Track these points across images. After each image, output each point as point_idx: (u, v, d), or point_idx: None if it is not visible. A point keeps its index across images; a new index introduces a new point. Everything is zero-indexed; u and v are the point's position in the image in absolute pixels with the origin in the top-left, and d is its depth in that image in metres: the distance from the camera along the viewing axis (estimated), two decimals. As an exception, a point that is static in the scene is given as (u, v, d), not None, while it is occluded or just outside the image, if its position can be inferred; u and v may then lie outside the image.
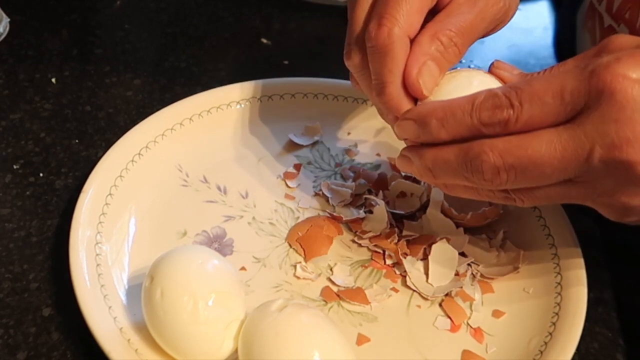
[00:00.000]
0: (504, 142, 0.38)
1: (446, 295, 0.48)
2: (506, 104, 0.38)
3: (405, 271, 0.49)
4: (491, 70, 0.44)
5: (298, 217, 0.53)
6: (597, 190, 0.39)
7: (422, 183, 0.54)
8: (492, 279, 0.49)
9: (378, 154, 0.57)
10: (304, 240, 0.50)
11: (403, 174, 0.55)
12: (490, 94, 0.39)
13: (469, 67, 0.68)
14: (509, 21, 0.47)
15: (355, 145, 0.58)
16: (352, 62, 0.46)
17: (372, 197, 0.53)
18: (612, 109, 0.36)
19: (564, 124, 0.37)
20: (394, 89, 0.43)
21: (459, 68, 0.44)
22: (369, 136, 0.59)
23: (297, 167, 0.56)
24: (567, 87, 0.37)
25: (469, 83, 0.42)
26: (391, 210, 0.51)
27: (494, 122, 0.38)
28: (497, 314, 0.48)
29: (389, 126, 0.46)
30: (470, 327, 0.47)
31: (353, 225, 0.52)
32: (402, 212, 0.52)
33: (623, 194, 0.38)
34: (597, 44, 0.40)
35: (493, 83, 0.42)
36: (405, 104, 0.43)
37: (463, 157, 0.39)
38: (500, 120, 0.38)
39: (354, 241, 0.51)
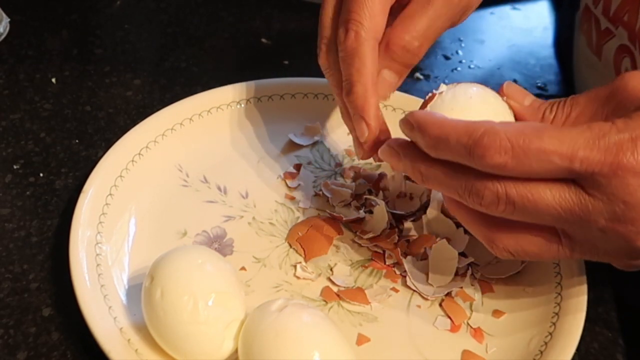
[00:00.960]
0: (511, 179, 0.37)
1: (446, 295, 0.48)
2: (506, 149, 0.36)
3: (405, 271, 0.49)
4: (500, 92, 0.43)
5: (298, 217, 0.53)
6: (596, 250, 0.39)
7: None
8: (492, 279, 0.49)
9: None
10: (304, 240, 0.50)
11: (404, 173, 0.55)
12: (490, 131, 0.37)
13: (469, 67, 0.68)
14: (470, 12, 0.48)
15: (355, 145, 0.58)
16: (323, 63, 0.48)
17: (372, 197, 0.53)
18: (622, 191, 0.36)
19: (569, 183, 0.37)
20: (361, 88, 0.45)
21: (470, 82, 0.44)
22: (369, 136, 0.59)
23: (297, 167, 0.56)
24: (579, 155, 0.36)
25: (467, 95, 0.42)
26: (391, 211, 0.51)
27: (488, 163, 0.37)
28: (497, 314, 0.48)
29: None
30: (470, 327, 0.47)
31: (353, 225, 0.52)
32: (402, 212, 0.52)
33: (624, 257, 0.39)
34: (607, 85, 0.39)
35: (495, 104, 0.42)
36: (370, 104, 0.45)
37: (461, 179, 0.39)
38: (497, 164, 0.37)
39: (354, 241, 0.51)
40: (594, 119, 0.39)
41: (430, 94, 0.44)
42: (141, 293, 0.42)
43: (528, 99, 0.43)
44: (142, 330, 0.43)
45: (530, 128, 0.37)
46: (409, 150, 0.42)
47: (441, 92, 0.43)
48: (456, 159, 0.38)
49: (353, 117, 0.46)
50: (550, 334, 0.45)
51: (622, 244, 0.38)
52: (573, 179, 0.37)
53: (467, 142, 0.37)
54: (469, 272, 0.49)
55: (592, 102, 0.40)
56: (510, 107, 0.43)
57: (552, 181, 0.37)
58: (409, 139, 0.42)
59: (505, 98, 0.43)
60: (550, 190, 0.37)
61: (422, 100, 0.45)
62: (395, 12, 0.46)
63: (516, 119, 0.42)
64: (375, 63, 0.45)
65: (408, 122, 0.41)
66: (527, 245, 0.40)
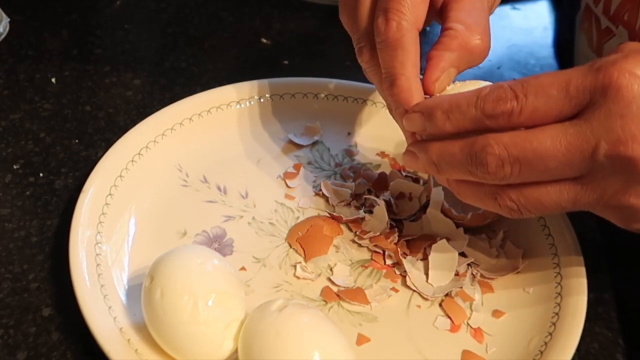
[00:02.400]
0: (509, 135, 0.38)
1: (446, 295, 0.48)
2: (511, 96, 0.38)
3: (405, 271, 0.49)
4: None
5: (298, 217, 0.53)
6: (604, 192, 0.38)
7: (421, 182, 0.54)
8: (492, 279, 0.49)
9: (378, 154, 0.57)
10: (304, 240, 0.50)
11: (404, 173, 0.55)
12: (495, 86, 0.39)
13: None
14: (497, 4, 0.49)
15: (355, 145, 0.58)
16: (364, 59, 0.47)
17: (372, 197, 0.53)
18: (618, 104, 0.36)
19: (569, 119, 0.37)
20: (405, 81, 0.43)
21: (468, 81, 0.44)
22: (369, 136, 0.59)
23: (297, 167, 0.56)
24: (573, 81, 0.37)
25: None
26: (391, 218, 0.51)
27: (497, 113, 0.38)
28: (497, 314, 0.48)
29: (389, 126, 0.46)
30: (470, 327, 0.47)
31: (353, 225, 0.52)
32: (401, 218, 0.52)
33: (631, 194, 0.38)
34: (595, 46, 0.41)
35: None
36: (416, 97, 0.43)
37: (468, 149, 0.40)
38: (504, 111, 0.38)
39: (354, 241, 0.51)
40: None
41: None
42: (141, 293, 0.42)
43: None
44: (142, 330, 0.43)
45: (528, 77, 0.39)
46: (420, 144, 0.42)
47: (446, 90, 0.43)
48: (469, 122, 0.39)
49: (396, 112, 0.45)
50: (550, 334, 0.45)
51: (627, 172, 0.37)
52: (574, 113, 0.37)
53: (476, 101, 0.39)
54: (469, 272, 0.49)
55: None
56: None
57: (549, 125, 0.38)
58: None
59: None
60: (549, 134, 0.38)
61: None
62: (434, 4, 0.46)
63: None
64: (418, 54, 0.44)
65: (415, 112, 0.42)
66: (534, 197, 0.40)
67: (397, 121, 0.45)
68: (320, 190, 0.54)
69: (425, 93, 0.43)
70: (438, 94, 0.44)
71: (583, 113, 0.37)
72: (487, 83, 0.43)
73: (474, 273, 0.49)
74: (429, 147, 0.42)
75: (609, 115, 0.36)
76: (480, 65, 0.70)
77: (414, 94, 0.43)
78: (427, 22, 0.46)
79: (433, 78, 0.43)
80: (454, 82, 0.44)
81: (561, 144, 0.37)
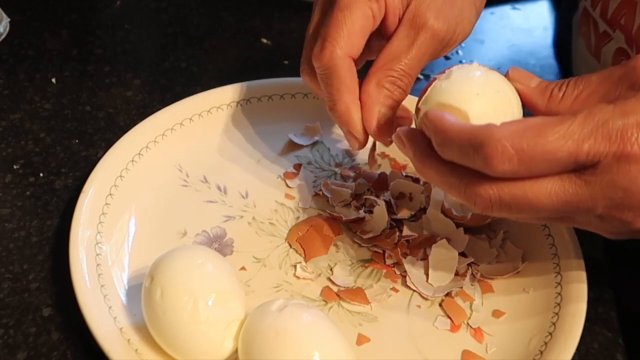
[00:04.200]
0: (503, 181, 0.37)
1: (446, 295, 0.48)
2: (510, 157, 0.36)
3: (405, 271, 0.49)
4: (506, 77, 0.43)
5: (298, 217, 0.53)
6: (592, 227, 0.39)
7: (421, 182, 0.54)
8: (492, 279, 0.49)
9: (378, 154, 0.57)
10: (304, 240, 0.51)
11: (404, 173, 0.55)
12: (490, 138, 0.36)
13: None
14: (450, 50, 0.48)
15: (355, 145, 0.58)
16: (305, 79, 0.49)
17: (372, 197, 0.53)
18: (624, 178, 0.35)
19: (568, 174, 0.37)
20: (342, 106, 0.46)
21: (475, 63, 0.44)
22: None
23: (297, 167, 0.56)
24: (585, 148, 0.35)
25: (470, 77, 0.42)
26: (391, 218, 0.51)
27: (494, 171, 0.36)
28: (497, 314, 0.48)
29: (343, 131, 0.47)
30: (470, 327, 0.47)
31: (353, 225, 0.52)
32: (402, 218, 0.52)
33: (620, 235, 0.39)
34: (622, 64, 0.38)
35: (499, 85, 0.42)
36: (355, 119, 0.46)
37: (458, 180, 0.39)
38: (504, 171, 0.36)
39: (354, 241, 0.51)
40: (606, 99, 0.38)
41: (432, 78, 0.43)
42: (141, 293, 0.42)
43: (534, 81, 0.42)
44: (142, 330, 0.43)
45: (531, 128, 0.36)
46: (412, 144, 0.41)
47: (440, 77, 0.43)
48: (463, 163, 0.38)
49: (342, 129, 0.48)
50: (550, 334, 0.45)
51: (620, 227, 0.38)
52: (575, 169, 0.37)
53: (469, 151, 0.37)
54: (469, 272, 0.49)
55: (605, 82, 0.39)
56: (517, 89, 0.42)
57: (548, 180, 0.37)
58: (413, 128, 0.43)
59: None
60: (546, 188, 0.37)
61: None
62: (375, 39, 0.47)
63: (523, 100, 0.42)
64: (354, 78, 0.46)
65: (424, 122, 0.41)
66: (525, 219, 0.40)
67: (346, 139, 0.48)
68: (320, 190, 0.54)
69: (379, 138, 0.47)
70: (428, 92, 0.43)
71: (584, 173, 0.36)
72: (483, 68, 0.42)
73: (474, 273, 0.49)
74: (420, 155, 0.40)
75: (612, 186, 0.36)
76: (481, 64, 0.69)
77: (353, 116, 0.46)
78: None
79: (372, 127, 0.46)
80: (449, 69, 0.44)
81: (557, 201, 0.37)
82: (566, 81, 0.40)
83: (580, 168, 0.36)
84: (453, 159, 0.38)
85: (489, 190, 0.37)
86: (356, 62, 0.47)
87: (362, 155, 0.57)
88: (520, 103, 0.42)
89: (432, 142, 0.39)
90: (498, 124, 0.37)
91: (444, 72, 0.43)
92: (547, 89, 0.41)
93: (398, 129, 0.43)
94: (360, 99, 0.46)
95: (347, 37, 0.45)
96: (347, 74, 0.45)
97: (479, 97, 0.40)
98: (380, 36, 0.47)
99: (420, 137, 0.41)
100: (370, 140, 0.48)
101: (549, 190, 0.37)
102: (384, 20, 0.46)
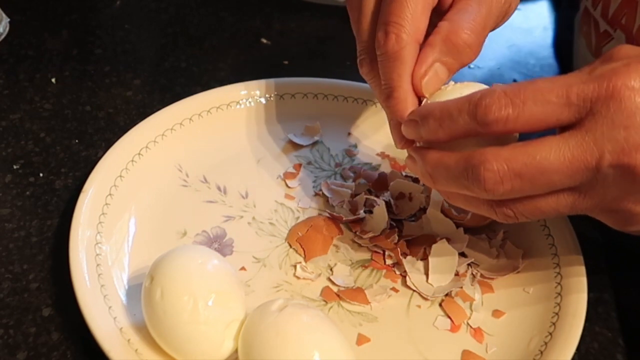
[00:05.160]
0: (508, 150, 0.37)
1: (446, 295, 0.48)
2: (505, 102, 0.37)
3: (405, 271, 0.49)
4: None
5: (298, 217, 0.53)
6: (603, 198, 0.38)
7: (420, 183, 0.54)
8: (492, 279, 0.49)
9: (378, 154, 0.57)
10: (304, 240, 0.51)
11: (404, 173, 0.55)
12: (487, 91, 0.38)
13: (469, 67, 0.68)
14: (510, 15, 0.47)
15: (355, 146, 0.58)
16: (364, 71, 0.47)
17: (372, 197, 0.53)
18: (621, 115, 0.35)
19: (568, 130, 0.37)
20: (402, 93, 0.43)
21: (466, 82, 0.44)
22: (369, 136, 0.59)
23: (297, 167, 0.56)
24: (574, 88, 0.36)
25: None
26: (391, 218, 0.51)
27: (490, 120, 0.37)
28: (497, 314, 0.48)
29: (389, 126, 0.46)
30: (470, 327, 0.47)
31: (353, 225, 0.52)
32: (402, 218, 0.52)
33: (629, 200, 0.38)
34: (602, 55, 0.39)
35: None
36: (411, 109, 0.43)
37: (464, 164, 0.39)
38: (498, 118, 0.37)
39: (354, 241, 0.51)
40: None
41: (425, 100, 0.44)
42: (141, 293, 0.42)
43: None
44: (142, 330, 0.43)
45: (524, 81, 0.38)
46: (419, 151, 0.42)
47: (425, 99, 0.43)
48: (462, 129, 0.38)
49: (390, 123, 0.45)
50: (550, 334, 0.45)
51: (628, 181, 0.37)
52: (573, 123, 0.36)
53: (468, 107, 0.38)
54: (469, 272, 0.49)
55: (586, 67, 0.39)
56: None
57: (549, 138, 0.37)
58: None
59: None
60: (551, 148, 0.37)
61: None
62: (436, 16, 0.45)
63: None
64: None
65: (410, 121, 0.41)
66: (531, 206, 0.40)
67: (391, 132, 0.45)
68: (320, 190, 0.54)
69: (416, 94, 0.43)
70: (428, 95, 0.43)
71: (583, 123, 0.36)
72: (486, 87, 0.43)
73: (474, 273, 0.49)
74: (426, 156, 0.41)
75: (613, 126, 0.36)
76: (480, 65, 0.70)
77: (410, 106, 0.43)
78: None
79: (418, 75, 0.43)
80: (453, 82, 0.44)
81: (565, 157, 0.36)
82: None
83: (578, 119, 0.36)
84: (452, 126, 0.39)
85: (495, 164, 0.37)
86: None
87: (362, 156, 0.57)
88: None
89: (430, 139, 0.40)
90: None
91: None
92: None
93: (408, 149, 0.43)
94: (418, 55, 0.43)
95: (411, 20, 0.43)
96: (412, 60, 0.43)
97: None
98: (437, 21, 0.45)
99: (426, 147, 0.41)
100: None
101: (554, 149, 0.36)
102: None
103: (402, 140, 0.44)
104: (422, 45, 0.44)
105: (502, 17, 0.46)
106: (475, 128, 0.38)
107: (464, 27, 0.43)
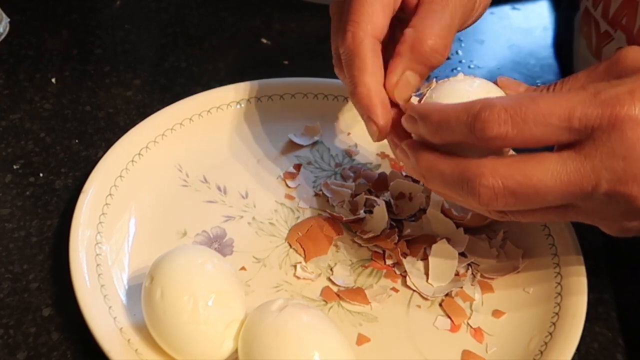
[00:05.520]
0: (505, 166, 0.37)
1: (446, 295, 0.48)
2: (505, 118, 0.36)
3: (405, 271, 0.49)
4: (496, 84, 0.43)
5: (298, 217, 0.53)
6: (596, 217, 0.39)
7: (421, 183, 0.54)
8: (492, 279, 0.49)
9: (378, 154, 0.57)
10: (304, 240, 0.51)
11: (404, 173, 0.55)
12: (487, 104, 0.37)
13: (469, 67, 0.68)
14: (479, 14, 0.47)
15: (355, 145, 0.58)
16: (336, 71, 0.48)
17: (372, 197, 0.53)
18: (622, 145, 0.35)
19: (567, 151, 0.36)
20: (363, 88, 0.44)
21: (469, 75, 0.44)
22: (369, 136, 0.59)
23: (297, 167, 0.56)
24: (577, 112, 0.36)
25: (457, 88, 0.42)
26: (391, 218, 0.51)
27: (489, 136, 0.37)
28: (497, 314, 0.48)
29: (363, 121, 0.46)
30: (470, 327, 0.47)
31: (353, 225, 0.52)
32: (402, 218, 0.52)
33: (623, 220, 0.39)
34: (604, 55, 0.39)
35: (495, 92, 0.42)
36: (376, 103, 0.44)
37: (459, 174, 0.38)
38: (497, 135, 0.36)
39: (354, 241, 0.51)
40: None
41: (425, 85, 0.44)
42: (141, 293, 0.42)
43: (522, 87, 0.43)
44: (142, 330, 0.43)
45: (525, 97, 0.37)
46: (413, 149, 0.42)
47: (430, 87, 0.43)
48: (459, 137, 0.38)
49: (362, 118, 0.45)
50: (550, 334, 0.45)
51: (624, 206, 0.37)
52: (572, 143, 0.36)
53: (466, 119, 0.37)
54: (469, 272, 0.49)
55: (592, 76, 0.39)
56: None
57: (547, 157, 0.37)
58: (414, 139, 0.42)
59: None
60: (548, 169, 0.36)
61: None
62: (403, 20, 0.46)
63: None
64: (378, 62, 0.44)
65: (410, 116, 0.41)
66: (527, 216, 0.40)
67: (366, 127, 0.46)
68: (320, 190, 0.54)
69: (391, 102, 0.44)
70: (403, 103, 0.44)
71: (583, 146, 0.36)
72: (480, 80, 0.43)
73: (474, 273, 0.49)
74: (420, 157, 0.41)
75: (612, 155, 0.35)
76: (480, 65, 0.70)
77: (374, 100, 0.44)
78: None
79: (391, 85, 0.44)
80: (463, 74, 0.44)
81: (561, 180, 0.36)
82: (555, 82, 0.41)
83: (577, 140, 0.36)
84: (448, 136, 0.39)
85: (491, 180, 0.37)
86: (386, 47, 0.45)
87: (362, 156, 0.57)
88: None
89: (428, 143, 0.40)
90: None
91: (432, 83, 0.43)
92: (535, 90, 0.41)
93: (402, 143, 0.43)
94: (389, 64, 0.44)
95: (369, 17, 0.44)
96: (370, 54, 0.44)
97: None
98: (404, 27, 0.46)
99: (422, 145, 0.41)
100: None
101: (551, 171, 0.36)
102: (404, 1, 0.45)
103: (377, 135, 0.45)
104: (389, 47, 0.45)
105: (468, 16, 0.46)
106: (471, 140, 0.38)
107: (429, 34, 0.43)
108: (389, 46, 0.45)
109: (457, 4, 0.44)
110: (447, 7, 0.44)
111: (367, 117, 0.44)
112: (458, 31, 0.46)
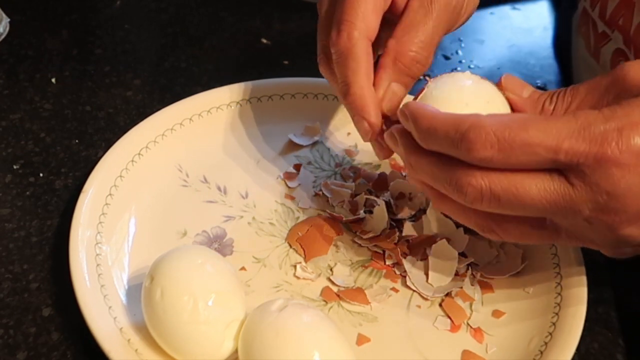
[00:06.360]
0: (496, 172, 0.37)
1: (446, 295, 0.48)
2: (491, 143, 0.36)
3: (405, 271, 0.49)
4: (499, 85, 0.43)
5: (298, 217, 0.53)
6: (587, 239, 0.39)
7: (403, 173, 0.54)
8: (492, 279, 0.49)
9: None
10: (304, 240, 0.51)
11: (404, 173, 0.55)
12: (476, 124, 0.37)
13: (469, 67, 0.68)
14: (466, 18, 0.48)
15: (355, 146, 0.58)
16: (322, 69, 0.48)
17: (372, 197, 0.53)
18: (606, 182, 0.36)
19: (557, 174, 0.37)
20: (358, 89, 0.44)
21: (468, 72, 0.44)
22: (369, 136, 0.59)
23: (297, 167, 0.56)
24: (564, 145, 0.36)
25: (460, 86, 0.42)
26: (391, 218, 0.51)
27: (474, 157, 0.37)
28: (497, 314, 0.48)
29: (353, 122, 0.46)
30: (470, 327, 0.47)
31: (353, 226, 0.52)
32: (402, 218, 0.52)
33: (612, 247, 0.40)
34: (609, 74, 0.39)
35: (488, 94, 0.42)
36: (369, 104, 0.44)
37: (450, 170, 0.39)
38: (483, 158, 0.37)
39: (354, 241, 0.51)
40: (595, 108, 0.38)
41: (426, 82, 0.44)
42: (141, 293, 0.42)
43: (527, 91, 0.42)
44: (142, 330, 0.43)
45: (516, 121, 0.37)
46: (404, 138, 0.41)
47: (430, 83, 0.43)
48: (445, 150, 0.38)
49: (353, 119, 0.46)
50: (550, 334, 0.45)
51: (606, 233, 0.38)
52: (558, 168, 0.37)
53: (454, 135, 0.37)
54: (469, 272, 0.49)
55: (593, 92, 0.40)
56: (508, 99, 0.42)
57: (537, 173, 0.37)
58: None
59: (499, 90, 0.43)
60: (535, 184, 0.37)
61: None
62: (389, 20, 0.46)
63: (514, 110, 0.42)
64: (371, 63, 0.45)
65: (403, 113, 0.41)
66: (512, 230, 0.40)
67: (356, 128, 0.46)
68: (320, 190, 0.54)
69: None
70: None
71: (568, 175, 0.36)
72: (482, 83, 0.43)
73: (474, 273, 0.49)
74: (410, 150, 0.41)
75: (597, 189, 0.36)
76: (480, 65, 0.70)
77: (368, 101, 0.44)
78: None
79: (377, 98, 0.44)
80: (430, 77, 0.44)
81: (546, 199, 0.37)
82: (557, 92, 0.41)
83: (563, 169, 0.36)
84: (435, 146, 0.39)
85: (480, 181, 0.37)
86: (373, 47, 0.46)
87: (362, 156, 0.57)
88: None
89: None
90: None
91: (434, 78, 0.43)
92: (539, 101, 0.41)
93: (392, 127, 0.43)
94: (374, 77, 0.45)
95: (363, 17, 0.44)
96: (364, 56, 0.44)
97: (467, 107, 0.41)
98: (389, 27, 0.46)
99: (408, 134, 0.41)
100: None
101: (538, 187, 0.37)
102: (393, 2, 0.46)
103: (367, 135, 0.45)
104: (374, 46, 0.45)
105: (455, 21, 0.47)
106: (456, 155, 0.38)
107: (411, 46, 0.44)
108: (374, 45, 0.46)
109: (441, 12, 0.45)
110: (431, 17, 0.44)
111: (359, 116, 0.45)
112: (445, 34, 0.47)
